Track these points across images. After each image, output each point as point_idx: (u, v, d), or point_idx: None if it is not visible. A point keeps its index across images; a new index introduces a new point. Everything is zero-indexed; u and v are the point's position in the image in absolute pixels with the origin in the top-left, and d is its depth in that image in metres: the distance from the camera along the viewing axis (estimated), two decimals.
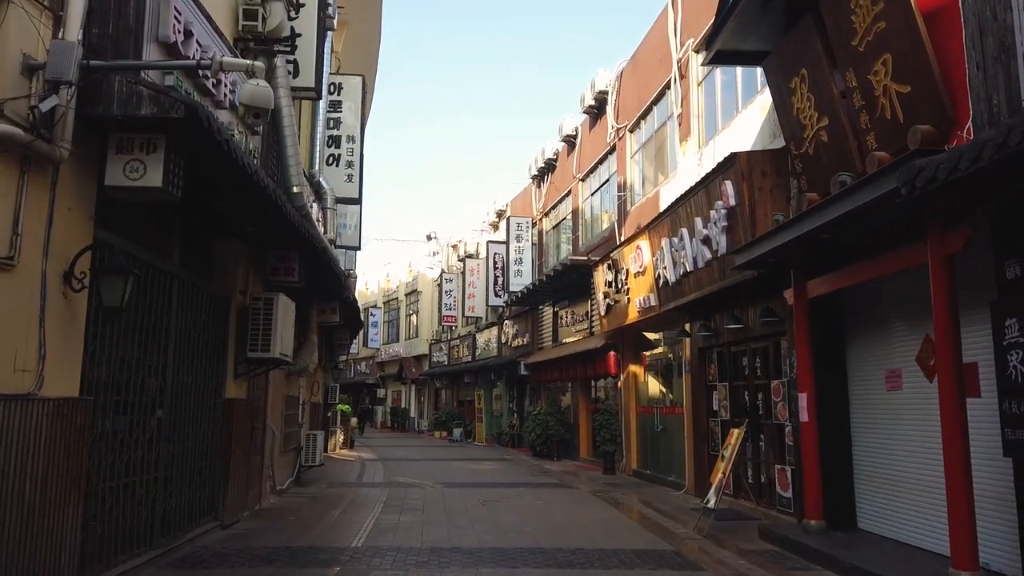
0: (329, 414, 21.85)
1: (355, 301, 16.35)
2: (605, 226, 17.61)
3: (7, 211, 4.29)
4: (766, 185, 9.18)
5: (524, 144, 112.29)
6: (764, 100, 9.99)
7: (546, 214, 22.57)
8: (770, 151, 9.36)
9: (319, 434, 13.89)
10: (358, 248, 17.78)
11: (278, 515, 9.71)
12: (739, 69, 11.15)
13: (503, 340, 25.56)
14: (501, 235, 25.38)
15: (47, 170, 4.61)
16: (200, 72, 5.89)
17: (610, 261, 14.76)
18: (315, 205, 12.09)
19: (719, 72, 11.92)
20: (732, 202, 9.33)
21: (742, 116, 10.79)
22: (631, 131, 15.97)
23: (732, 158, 9.30)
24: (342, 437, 24.27)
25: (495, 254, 25.52)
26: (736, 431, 8.84)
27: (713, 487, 8.64)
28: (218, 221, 7.85)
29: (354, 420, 27.20)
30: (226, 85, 6.89)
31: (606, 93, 17.21)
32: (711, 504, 8.46)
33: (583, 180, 19.36)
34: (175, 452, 7.14)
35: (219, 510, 8.32)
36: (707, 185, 10.08)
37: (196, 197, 6.90)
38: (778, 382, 9.41)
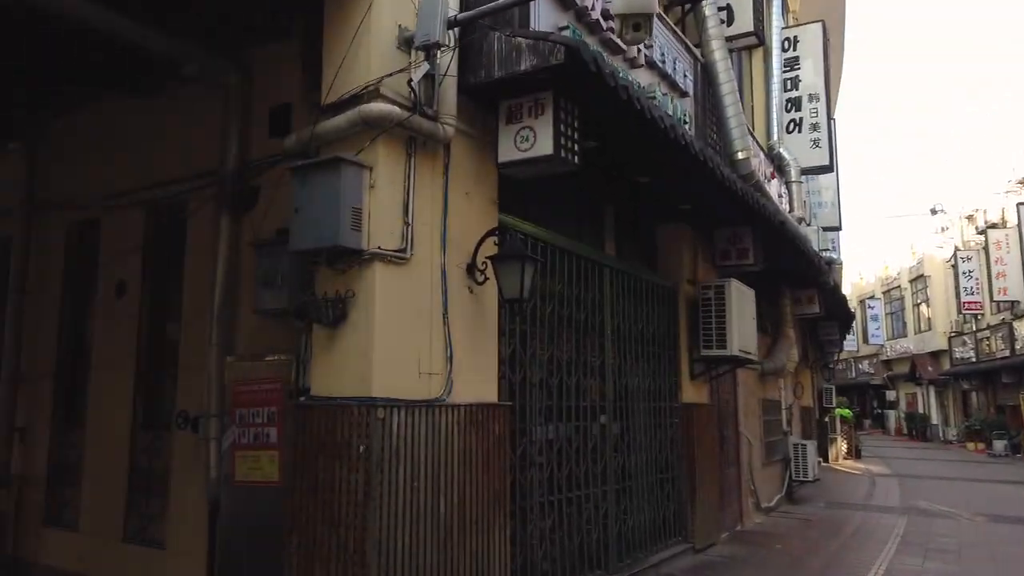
0: (826, 420, 19.51)
1: (837, 288, 13.96)
2: None
3: (394, 200, 3.92)
4: None
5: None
6: None
7: None
8: None
9: (810, 444, 11.99)
10: (838, 228, 15.32)
11: (762, 541, 8.30)
12: None
13: None
14: None
15: (436, 152, 4.17)
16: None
17: None
18: (774, 180, 10.45)
19: None
20: None
21: None
22: None
23: None
24: (844, 446, 21.45)
25: None
26: None
27: None
28: (653, 201, 6.96)
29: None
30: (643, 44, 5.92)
31: None
32: None
33: None
34: (627, 463, 6.37)
35: (688, 530, 7.32)
36: None
37: (619, 174, 6.14)
38: None
